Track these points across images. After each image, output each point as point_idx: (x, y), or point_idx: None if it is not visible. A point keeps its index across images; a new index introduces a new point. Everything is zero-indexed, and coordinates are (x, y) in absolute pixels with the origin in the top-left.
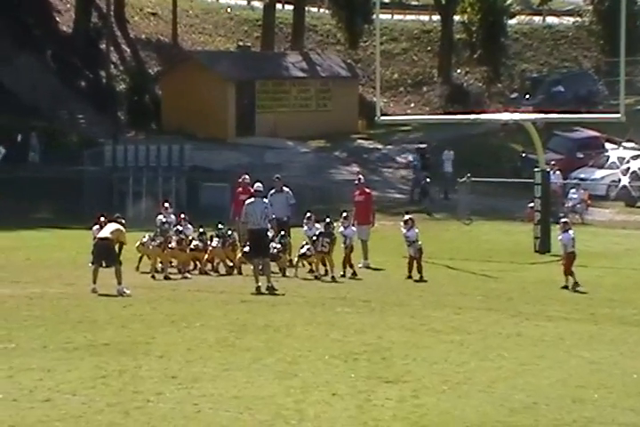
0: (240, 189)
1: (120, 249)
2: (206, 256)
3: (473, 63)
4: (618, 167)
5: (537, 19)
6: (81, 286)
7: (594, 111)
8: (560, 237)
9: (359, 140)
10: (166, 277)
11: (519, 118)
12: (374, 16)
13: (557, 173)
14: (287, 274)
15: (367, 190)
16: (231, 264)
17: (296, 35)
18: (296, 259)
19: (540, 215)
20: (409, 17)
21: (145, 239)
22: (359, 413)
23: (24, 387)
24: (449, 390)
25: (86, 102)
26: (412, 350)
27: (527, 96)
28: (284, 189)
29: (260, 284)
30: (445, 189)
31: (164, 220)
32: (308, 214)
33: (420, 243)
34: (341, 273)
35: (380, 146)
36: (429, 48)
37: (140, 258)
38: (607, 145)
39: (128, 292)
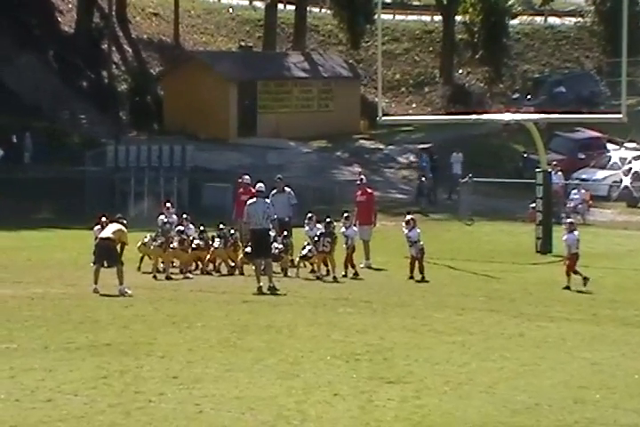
0: (241, 189)
1: (122, 249)
2: (208, 256)
3: (475, 63)
4: (619, 168)
5: (539, 19)
6: (82, 286)
7: (595, 112)
8: (565, 238)
9: (361, 141)
10: (168, 278)
11: (521, 119)
12: (376, 16)
13: (559, 173)
14: (289, 274)
15: (369, 191)
16: (233, 264)
17: (298, 35)
18: (297, 259)
19: (541, 216)
20: (411, 17)
21: (146, 239)
22: (361, 413)
23: (26, 387)
24: (451, 390)
25: (88, 102)
26: (413, 350)
27: (529, 96)
28: (286, 189)
29: (261, 284)
30: (452, 190)
31: (165, 220)
32: (310, 215)
33: (421, 243)
34: (343, 273)
35: (381, 146)
36: (431, 48)
37: (142, 258)
38: (609, 146)
39: (129, 292)
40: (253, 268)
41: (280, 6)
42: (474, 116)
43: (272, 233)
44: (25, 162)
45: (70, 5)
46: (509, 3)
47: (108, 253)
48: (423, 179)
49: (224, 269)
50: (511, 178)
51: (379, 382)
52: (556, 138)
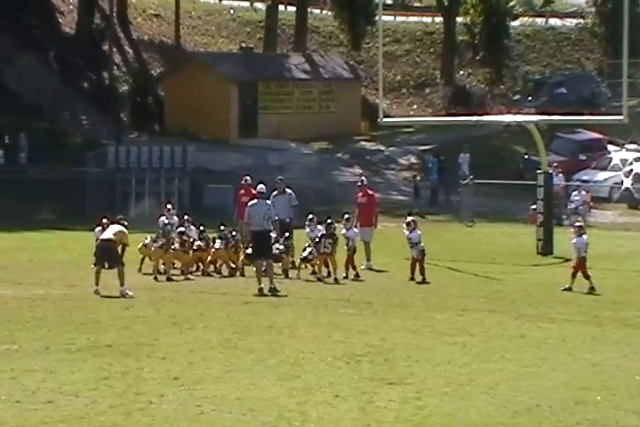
0: (242, 190)
1: (123, 251)
2: (209, 258)
3: (475, 65)
4: (620, 169)
5: (539, 20)
6: (84, 287)
7: (596, 113)
8: (574, 241)
9: (362, 142)
10: (169, 279)
11: (522, 120)
12: (377, 17)
13: (560, 175)
14: (290, 275)
15: (370, 192)
16: (233, 266)
17: (298, 36)
18: (298, 261)
19: (542, 217)
20: (412, 18)
21: (147, 241)
22: (362, 414)
23: (27, 388)
24: (452, 391)
25: (89, 103)
26: (414, 351)
27: (530, 98)
28: (287, 190)
29: (262, 285)
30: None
31: (166, 221)
32: (310, 216)
33: (422, 245)
34: (344, 275)
35: (382, 148)
36: (432, 50)
37: (143, 259)
38: (610, 147)
39: (130, 293)
40: (254, 269)
41: (281, 7)
42: (475, 118)
43: (273, 234)
44: (20, 162)
45: (71, 6)
46: (510, 4)
47: (108, 255)
48: (419, 179)
49: (225, 271)
50: (512, 179)
51: (380, 383)
52: (556, 139)
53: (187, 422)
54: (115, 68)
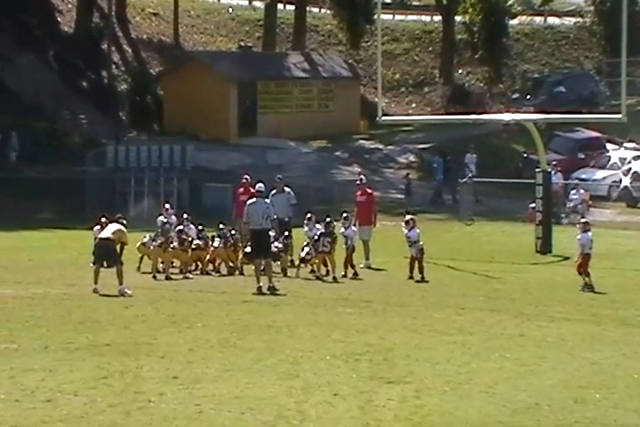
0: (241, 189)
1: (121, 249)
2: (208, 256)
3: (474, 63)
4: (619, 168)
5: (538, 19)
6: (83, 286)
7: (595, 112)
8: (579, 237)
9: (361, 141)
10: (167, 278)
11: (520, 119)
12: (376, 16)
13: (558, 173)
14: (288, 274)
15: (369, 191)
16: (232, 265)
17: (297, 35)
18: (297, 262)
19: (541, 216)
20: (410, 17)
21: (145, 239)
22: (361, 413)
23: (26, 387)
24: (451, 390)
25: (88, 103)
26: (413, 350)
27: (528, 97)
28: (286, 189)
29: (261, 284)
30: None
31: (165, 220)
32: (309, 215)
33: (421, 243)
34: (342, 274)
35: (381, 146)
36: (431, 48)
37: (141, 258)
38: (608, 146)
39: (129, 292)
40: (253, 268)
41: (280, 6)
42: (473, 117)
43: (272, 233)
44: (11, 161)
45: (70, 5)
46: (509, 3)
47: (107, 254)
48: (411, 177)
49: (224, 270)
50: (511, 178)
51: (379, 382)
52: (555, 138)
53: (186, 420)
54: (114, 67)
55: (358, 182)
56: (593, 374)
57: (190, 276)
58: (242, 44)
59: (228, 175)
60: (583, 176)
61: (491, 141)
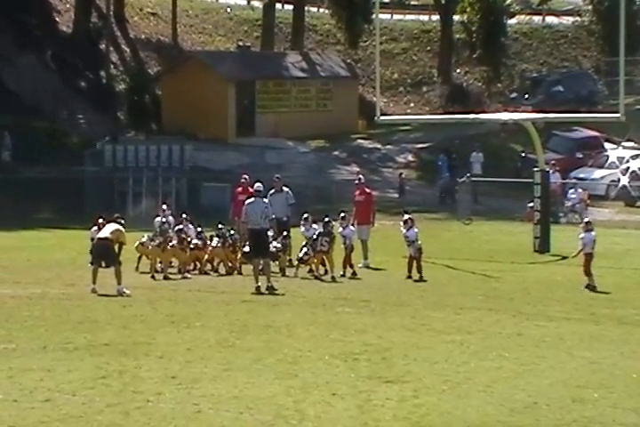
0: (240, 189)
1: (120, 249)
2: (206, 256)
3: (473, 63)
4: (617, 167)
5: (536, 18)
6: (81, 286)
7: (593, 111)
8: (582, 236)
9: (359, 140)
10: (166, 278)
11: (519, 118)
12: (374, 16)
13: (557, 172)
14: (287, 274)
15: (367, 190)
16: (230, 265)
17: (296, 35)
18: (296, 262)
19: (539, 215)
20: (409, 17)
21: (144, 239)
22: (359, 413)
23: (24, 387)
24: (449, 390)
25: (87, 102)
26: (412, 350)
27: (527, 96)
28: (284, 188)
29: (259, 284)
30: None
31: (163, 220)
32: (305, 215)
33: (419, 243)
34: (341, 273)
35: (379, 146)
36: (429, 48)
37: (140, 258)
38: (607, 145)
39: (128, 292)
40: (251, 268)
41: (278, 6)
42: (472, 116)
43: (270, 233)
44: (4, 161)
45: (68, 5)
46: (507, 2)
47: (106, 254)
48: (404, 176)
49: (222, 270)
50: (509, 177)
51: (377, 381)
52: (554, 137)
53: (184, 420)
54: (112, 67)
55: (357, 182)
56: (591, 373)
57: (189, 276)
58: (240, 43)
59: (227, 175)
60: (581, 175)
61: (489, 141)
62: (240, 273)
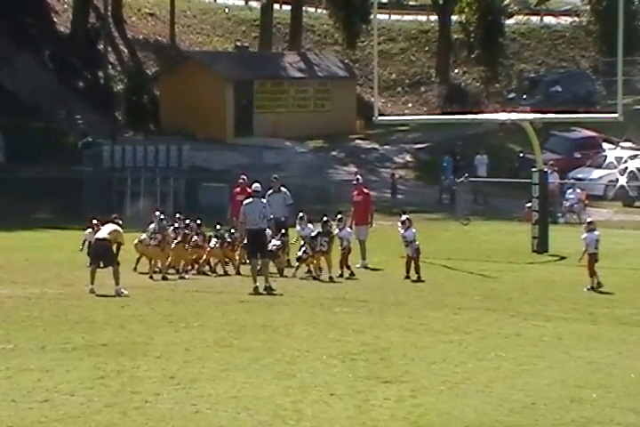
0: (238, 189)
1: (118, 250)
2: (204, 256)
3: (471, 63)
4: (615, 167)
5: (534, 19)
6: (79, 286)
7: (591, 111)
8: (584, 237)
9: (357, 141)
10: (164, 278)
11: (517, 118)
12: (372, 16)
13: (555, 173)
14: (285, 274)
15: (365, 191)
16: (230, 263)
17: (294, 35)
18: (296, 263)
19: (537, 215)
20: (407, 17)
21: (143, 236)
22: (357, 413)
23: (22, 387)
24: (447, 390)
25: (85, 103)
26: (410, 350)
27: (525, 96)
28: (282, 189)
29: (257, 284)
30: (478, 193)
31: (162, 217)
32: (301, 214)
33: (417, 243)
34: (339, 273)
35: (377, 146)
36: (427, 48)
37: (139, 259)
38: (605, 145)
39: (126, 292)
40: (249, 268)
41: (276, 6)
42: (470, 116)
43: (269, 232)
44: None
45: (66, 5)
46: (505, 2)
47: (104, 254)
48: (397, 176)
49: (220, 270)
50: (508, 178)
51: (375, 381)
52: (552, 137)
53: (182, 420)
54: (110, 67)
55: (354, 182)
56: (590, 373)
57: (187, 276)
58: (238, 44)
59: (225, 175)
60: (579, 175)
61: (487, 141)
62: (239, 273)
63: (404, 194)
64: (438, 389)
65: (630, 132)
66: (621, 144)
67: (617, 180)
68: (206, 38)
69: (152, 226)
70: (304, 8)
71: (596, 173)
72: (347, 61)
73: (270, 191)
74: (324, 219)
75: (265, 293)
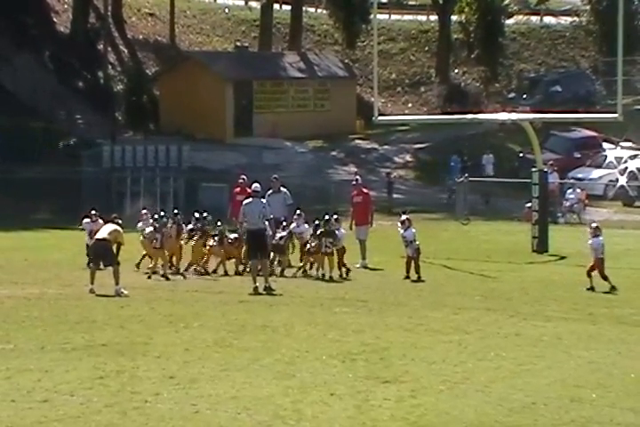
0: (238, 189)
1: (118, 250)
2: (204, 257)
3: (471, 63)
4: (615, 167)
5: (534, 18)
6: (79, 286)
7: (591, 111)
8: (590, 242)
9: (357, 141)
10: (164, 276)
11: (517, 118)
12: (372, 16)
13: (555, 172)
14: (285, 274)
15: (365, 191)
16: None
17: (293, 35)
18: (296, 264)
19: (537, 215)
20: (406, 17)
21: (148, 230)
22: (357, 413)
23: (22, 388)
24: (447, 390)
25: (84, 103)
26: (410, 350)
27: (525, 96)
28: (282, 189)
29: (257, 284)
30: (484, 193)
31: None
32: (298, 212)
33: (417, 243)
34: (339, 273)
35: (377, 146)
36: (427, 48)
37: (143, 257)
38: (605, 145)
39: (126, 292)
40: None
41: (276, 6)
42: (470, 116)
43: (269, 233)
44: None
45: (66, 6)
46: (505, 2)
47: (104, 254)
48: (392, 176)
49: (220, 270)
50: (508, 177)
51: (375, 381)
52: (552, 137)
53: (182, 421)
54: (110, 67)
55: (354, 182)
56: (589, 372)
57: (186, 276)
58: (238, 44)
59: (225, 175)
60: (579, 175)
61: (487, 141)
62: (238, 273)
63: (404, 194)
64: (438, 389)
65: (630, 132)
66: (621, 144)
67: (617, 179)
68: (206, 38)
69: (140, 224)
70: (304, 8)
71: (596, 173)
72: (347, 61)
73: (270, 191)
74: (326, 217)
75: (265, 293)
